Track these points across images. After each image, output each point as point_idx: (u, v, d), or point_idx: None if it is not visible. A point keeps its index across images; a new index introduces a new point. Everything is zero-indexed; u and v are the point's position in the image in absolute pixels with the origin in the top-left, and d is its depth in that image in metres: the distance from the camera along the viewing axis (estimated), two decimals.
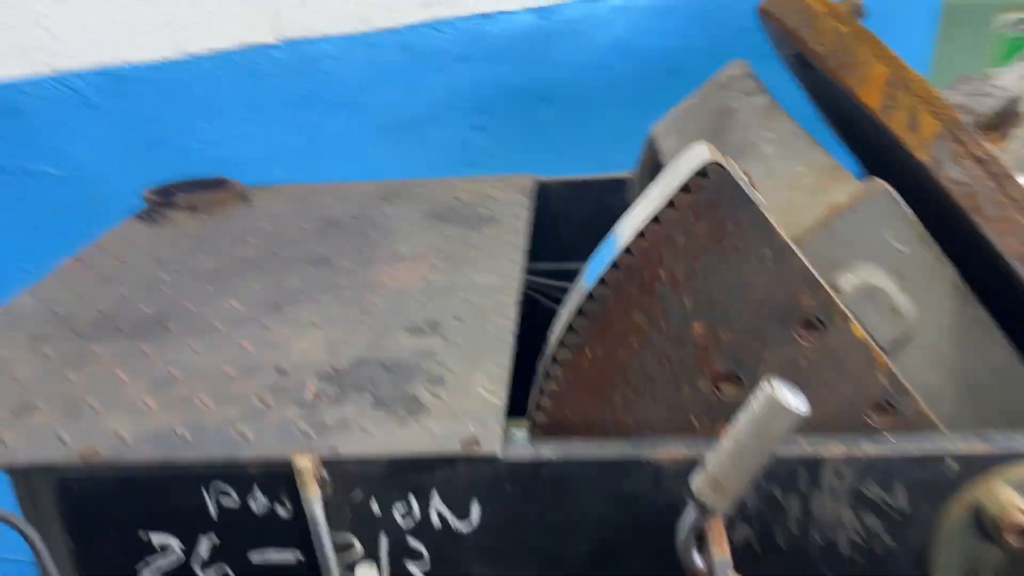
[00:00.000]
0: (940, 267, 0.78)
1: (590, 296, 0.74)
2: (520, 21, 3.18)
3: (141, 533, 0.80)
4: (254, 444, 0.79)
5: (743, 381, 0.76)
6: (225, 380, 0.90)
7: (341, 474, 0.77)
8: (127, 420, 0.84)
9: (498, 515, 0.77)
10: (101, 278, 1.20)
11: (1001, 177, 0.74)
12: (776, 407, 0.62)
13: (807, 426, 0.76)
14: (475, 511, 0.77)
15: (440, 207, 1.40)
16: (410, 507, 0.77)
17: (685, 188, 0.70)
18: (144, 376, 0.92)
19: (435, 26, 2.96)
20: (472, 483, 0.76)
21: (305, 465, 0.75)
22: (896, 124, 0.79)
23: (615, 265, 0.73)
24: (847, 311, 0.74)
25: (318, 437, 0.79)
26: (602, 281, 0.73)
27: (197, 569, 0.81)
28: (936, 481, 0.73)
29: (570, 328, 0.75)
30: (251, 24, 2.47)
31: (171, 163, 2.39)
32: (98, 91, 2.25)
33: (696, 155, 0.72)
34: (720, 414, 0.77)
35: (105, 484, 0.79)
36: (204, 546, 0.80)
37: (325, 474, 0.76)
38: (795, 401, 0.63)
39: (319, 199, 1.50)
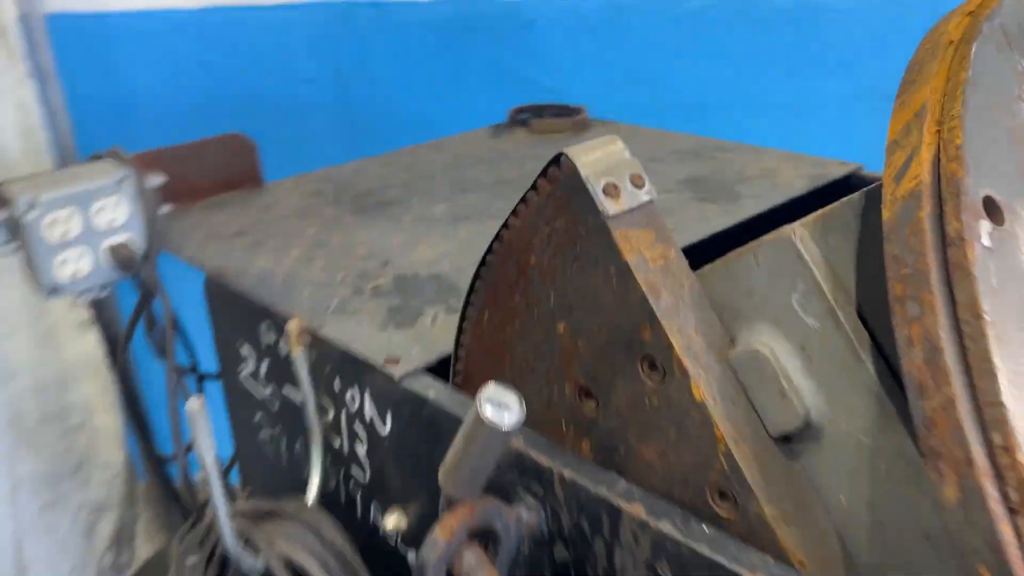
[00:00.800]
0: (855, 364, 0.57)
1: (483, 261, 0.74)
2: None
3: (236, 342, 1.08)
4: (297, 302, 0.99)
5: (599, 402, 0.69)
6: (349, 255, 1.11)
7: (322, 348, 0.93)
8: (271, 258, 1.11)
9: (401, 431, 0.85)
10: (408, 164, 1.49)
11: (956, 268, 0.52)
12: (476, 418, 0.60)
13: (655, 479, 0.67)
14: (388, 419, 0.87)
15: (707, 175, 1.36)
16: (354, 397, 0.90)
17: (544, 174, 0.66)
18: (318, 235, 1.18)
19: None
20: (388, 394, 0.86)
21: (292, 329, 0.93)
22: (889, 166, 0.59)
23: (498, 237, 0.72)
24: (691, 363, 0.61)
25: (329, 315, 0.96)
26: (490, 250, 0.73)
27: (262, 384, 1.07)
28: None
29: (472, 288, 0.77)
30: None
31: (641, 93, 2.58)
32: (599, 17, 2.53)
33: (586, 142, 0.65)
34: (583, 429, 0.72)
35: (225, 295, 1.08)
36: (264, 367, 1.05)
37: (308, 341, 0.93)
38: (498, 413, 0.59)
39: (641, 144, 1.56)
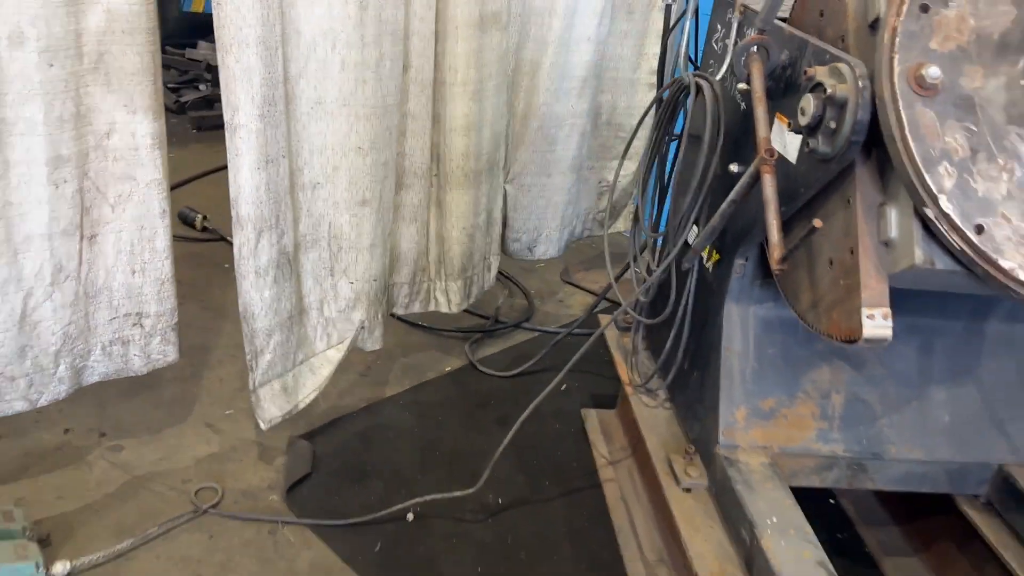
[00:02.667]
0: None
1: None
2: None
3: (720, 18, 2.43)
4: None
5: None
6: None
7: (743, 11, 2.24)
8: None
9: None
10: None
11: None
12: None
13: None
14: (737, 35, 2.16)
15: None
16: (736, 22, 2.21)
17: None
18: None
19: None
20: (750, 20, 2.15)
21: (737, 2, 2.25)
22: None
23: None
24: None
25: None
26: None
27: (722, 40, 2.41)
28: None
29: None
30: None
31: None
32: None
33: None
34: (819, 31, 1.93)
35: None
36: (727, 32, 2.39)
37: (742, 10, 2.25)
38: None
39: None
